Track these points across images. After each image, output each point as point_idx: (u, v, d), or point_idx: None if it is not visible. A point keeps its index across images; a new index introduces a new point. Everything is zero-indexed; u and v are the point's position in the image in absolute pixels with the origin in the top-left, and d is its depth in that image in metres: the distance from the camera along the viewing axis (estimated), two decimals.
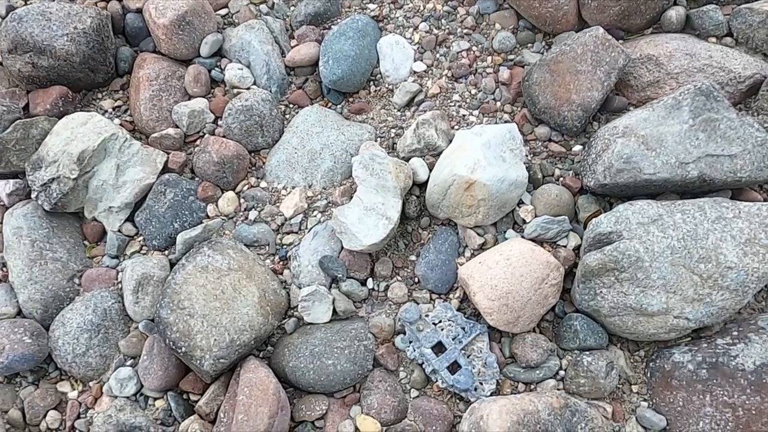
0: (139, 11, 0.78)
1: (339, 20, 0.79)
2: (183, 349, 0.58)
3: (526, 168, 0.66)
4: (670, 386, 0.58)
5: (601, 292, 0.58)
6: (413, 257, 0.66)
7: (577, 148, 0.69)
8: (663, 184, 0.60)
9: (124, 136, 0.70)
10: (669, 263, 0.56)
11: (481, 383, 0.58)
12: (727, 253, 0.56)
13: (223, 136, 0.73)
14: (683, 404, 0.57)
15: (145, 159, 0.70)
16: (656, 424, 0.57)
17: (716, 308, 0.56)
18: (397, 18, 0.78)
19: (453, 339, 0.59)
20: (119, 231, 0.69)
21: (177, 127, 0.73)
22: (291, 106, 0.76)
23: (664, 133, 0.61)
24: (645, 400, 0.59)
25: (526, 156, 0.68)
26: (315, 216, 0.68)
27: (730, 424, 0.54)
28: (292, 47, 0.78)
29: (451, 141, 0.69)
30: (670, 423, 0.57)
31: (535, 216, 0.64)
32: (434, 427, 0.57)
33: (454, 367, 0.58)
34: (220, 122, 0.74)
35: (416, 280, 0.65)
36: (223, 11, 0.81)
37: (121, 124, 0.74)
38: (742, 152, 0.60)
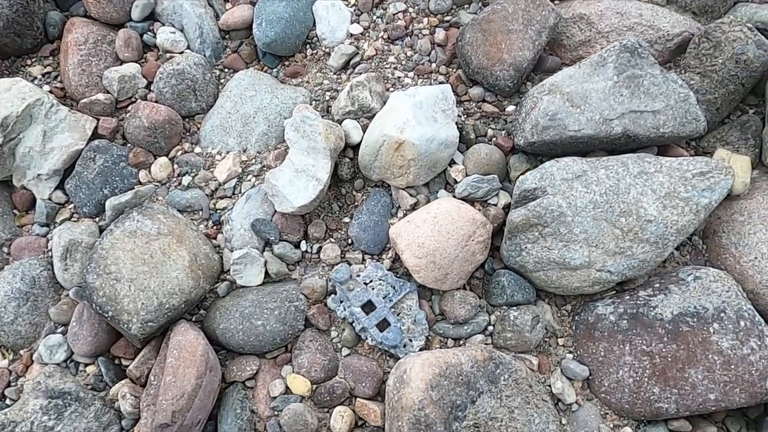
0: None
1: None
2: (110, 313, 0.58)
3: (459, 128, 0.66)
4: (593, 338, 0.59)
5: (526, 247, 0.59)
6: (347, 219, 0.66)
7: (510, 108, 0.69)
8: (589, 141, 0.61)
9: (51, 102, 0.68)
10: (591, 218, 0.57)
11: (410, 340, 0.58)
12: (648, 207, 0.57)
13: (156, 102, 0.71)
14: (605, 354, 0.58)
15: (73, 125, 0.69)
16: (579, 375, 0.58)
17: (637, 261, 0.58)
18: None
19: (383, 298, 0.60)
20: (49, 199, 0.68)
21: (107, 92, 0.72)
22: (226, 70, 0.75)
23: (588, 90, 0.61)
24: (570, 352, 0.60)
25: (460, 116, 0.68)
26: (249, 180, 0.68)
27: (647, 371, 0.56)
28: (227, 10, 0.76)
29: (385, 103, 0.68)
30: (593, 373, 0.59)
31: (466, 175, 0.65)
32: (364, 384, 0.58)
33: (383, 325, 0.59)
34: (152, 87, 0.72)
35: (349, 241, 0.65)
36: None
37: (51, 91, 0.72)
38: (665, 108, 0.61)
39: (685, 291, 0.58)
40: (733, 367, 0.54)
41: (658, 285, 0.60)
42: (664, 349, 0.56)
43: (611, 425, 0.57)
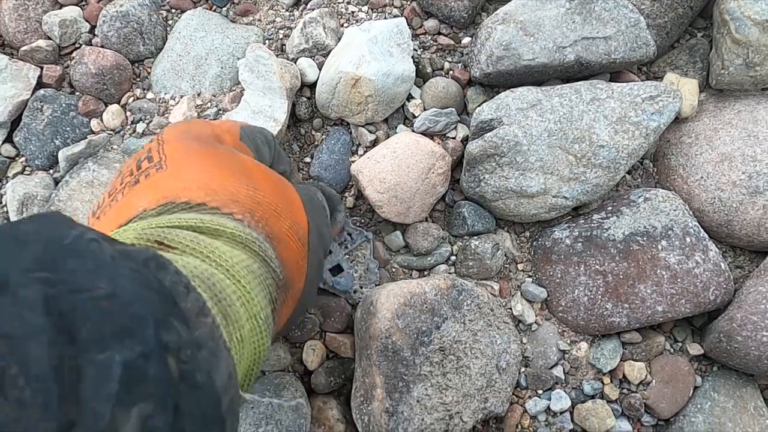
0: None
1: None
2: None
3: (415, 62, 0.65)
4: (551, 261, 0.62)
5: (484, 177, 0.60)
6: (308, 159, 0.66)
7: (466, 40, 0.69)
8: (543, 69, 0.61)
9: None
10: (546, 146, 0.59)
11: (361, 287, 0.60)
12: (600, 132, 0.59)
13: (101, 47, 0.69)
14: (561, 276, 0.61)
15: (15, 74, 0.66)
16: (538, 296, 0.61)
17: (591, 185, 0.60)
18: None
19: (339, 245, 0.61)
20: None
21: (49, 38, 0.68)
22: (173, 11, 0.72)
23: (542, 18, 0.61)
24: (529, 276, 0.63)
25: (416, 50, 0.68)
26: None
27: (600, 289, 0.59)
28: None
29: (340, 39, 0.67)
30: (550, 293, 0.62)
31: (424, 109, 0.65)
32: (332, 319, 0.59)
33: (336, 271, 0.60)
34: (96, 32, 0.69)
35: (311, 181, 0.65)
36: None
37: None
38: (616, 33, 0.62)
39: (636, 212, 0.61)
40: (679, 280, 0.58)
41: (610, 208, 0.62)
42: (616, 268, 0.59)
43: (568, 341, 0.61)
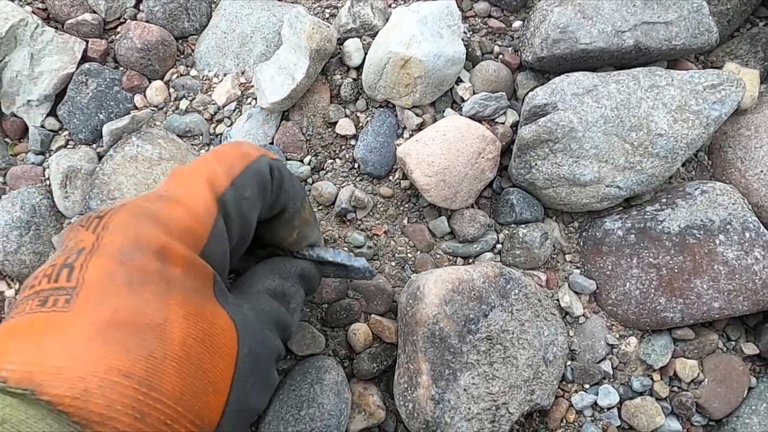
0: None
1: None
2: None
3: (465, 45, 0.64)
4: (601, 252, 0.60)
5: (536, 164, 0.58)
6: (352, 141, 0.65)
7: (517, 23, 0.67)
8: (600, 54, 0.59)
9: (35, 22, 0.64)
10: (602, 132, 0.57)
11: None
12: (658, 121, 0.57)
13: (146, 21, 0.68)
14: (612, 268, 0.59)
15: (61, 47, 0.65)
16: (587, 288, 0.59)
17: (646, 176, 0.58)
18: None
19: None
20: (42, 126, 0.65)
21: (94, 12, 0.68)
22: None
23: (601, 0, 0.59)
24: (577, 267, 0.61)
25: (465, 33, 0.66)
26: (249, 103, 0.66)
27: (654, 282, 0.57)
28: None
29: (387, 19, 0.66)
30: (600, 286, 0.60)
31: (473, 93, 0.63)
32: (375, 302, 0.58)
33: (339, 268, 0.56)
34: (141, 6, 0.69)
35: (356, 164, 0.64)
36: None
37: (33, 12, 0.68)
38: (677, 19, 0.59)
39: (692, 205, 0.59)
40: (737, 276, 0.56)
41: (665, 200, 0.60)
42: (670, 261, 0.57)
43: (617, 335, 0.59)
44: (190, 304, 0.27)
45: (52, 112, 0.66)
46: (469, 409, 0.51)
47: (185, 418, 0.24)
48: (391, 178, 0.63)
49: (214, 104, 0.66)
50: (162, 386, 0.24)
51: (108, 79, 0.65)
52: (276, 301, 0.37)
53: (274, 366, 0.32)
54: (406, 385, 0.53)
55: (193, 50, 0.69)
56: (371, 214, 0.62)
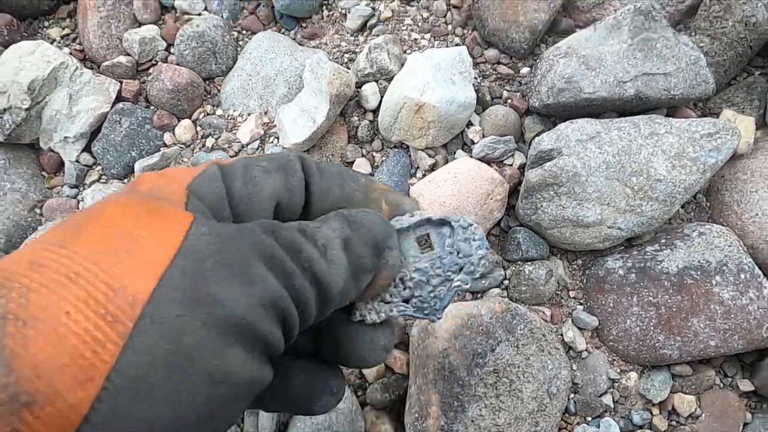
0: None
1: None
2: None
3: (475, 90, 0.68)
4: (603, 290, 0.63)
5: (541, 206, 0.62)
6: None
7: (525, 70, 0.71)
8: (602, 103, 0.63)
9: (75, 65, 0.69)
10: (604, 177, 0.60)
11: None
12: (657, 167, 0.60)
13: (177, 64, 0.72)
14: (613, 305, 0.62)
15: (97, 88, 0.70)
16: (589, 324, 0.62)
17: (646, 218, 0.61)
18: None
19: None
20: (77, 161, 0.70)
21: (128, 55, 0.73)
22: (244, 32, 0.76)
23: (603, 53, 0.63)
24: (581, 303, 0.64)
25: (476, 78, 0.70)
26: (272, 142, 0.70)
27: (653, 320, 0.60)
28: None
29: (403, 65, 0.70)
30: (602, 322, 0.63)
31: (483, 136, 0.67)
32: None
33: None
34: (172, 50, 0.73)
35: None
36: None
37: (71, 53, 0.73)
38: (676, 70, 0.63)
39: (690, 246, 0.62)
40: (732, 316, 0.59)
41: (664, 240, 0.63)
42: (669, 300, 0.60)
43: (618, 370, 0.62)
44: (139, 197, 0.23)
45: (87, 148, 0.70)
46: None
47: (97, 276, 0.20)
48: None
49: (238, 142, 0.70)
50: (74, 245, 0.21)
51: (140, 118, 0.70)
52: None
53: (259, 266, 0.22)
54: (417, 415, 0.56)
55: (219, 91, 0.74)
56: None
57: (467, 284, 0.27)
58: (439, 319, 0.28)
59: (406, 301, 0.27)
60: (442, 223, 0.28)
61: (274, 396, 0.27)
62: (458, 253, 0.27)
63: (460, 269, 0.27)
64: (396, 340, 0.62)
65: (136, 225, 0.22)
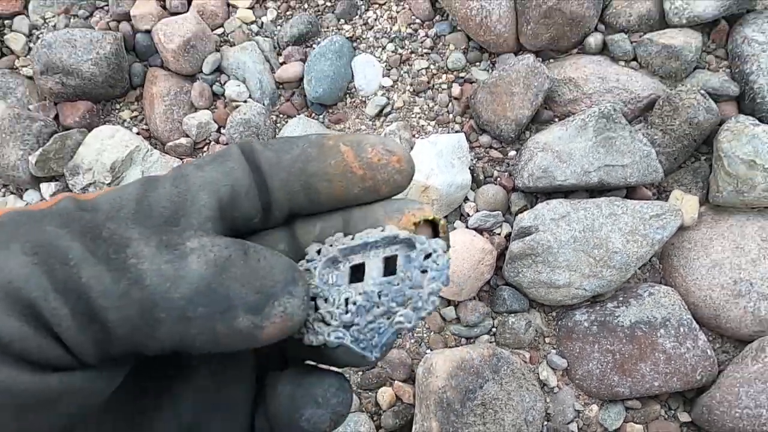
0: (148, 32, 0.92)
1: (319, 40, 0.94)
2: None
3: (471, 170, 0.84)
4: (571, 338, 0.78)
5: (522, 271, 0.78)
6: None
7: (512, 153, 0.87)
8: (572, 187, 0.79)
9: (146, 147, 0.85)
10: (572, 249, 0.76)
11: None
12: (615, 241, 0.76)
13: (226, 143, 0.88)
14: (579, 351, 0.77)
15: (164, 166, 0.86)
16: (560, 366, 0.78)
17: (605, 281, 0.76)
18: (368, 38, 0.93)
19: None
20: None
21: (187, 136, 0.89)
22: (281, 115, 0.92)
23: (573, 149, 0.79)
24: (554, 348, 0.80)
25: (472, 160, 0.86)
26: None
27: (610, 364, 0.75)
28: (281, 64, 0.92)
29: (412, 148, 0.86)
30: (570, 364, 0.78)
31: (477, 210, 0.83)
32: (398, 371, 0.77)
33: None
34: (222, 131, 0.89)
35: None
36: (219, 30, 0.95)
37: (138, 133, 0.89)
38: (631, 162, 0.79)
39: (641, 304, 0.77)
40: (673, 362, 0.74)
41: (621, 299, 0.79)
42: (623, 348, 0.75)
43: (582, 403, 0.77)
44: None
45: None
46: None
47: None
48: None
49: None
50: None
51: None
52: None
53: (15, 249, 0.16)
54: None
55: None
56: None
57: (410, 323, 0.21)
58: (376, 359, 0.22)
59: (345, 327, 0.21)
60: (409, 244, 0.22)
61: (265, 415, 0.23)
62: (409, 281, 0.21)
63: (407, 302, 0.21)
64: (351, 405, 0.76)
65: None
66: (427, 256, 0.21)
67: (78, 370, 0.16)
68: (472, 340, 0.80)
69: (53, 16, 0.95)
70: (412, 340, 0.79)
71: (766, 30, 0.84)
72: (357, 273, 0.22)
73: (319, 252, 0.22)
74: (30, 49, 0.94)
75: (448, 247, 0.22)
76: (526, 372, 0.75)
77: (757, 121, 0.79)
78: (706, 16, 0.84)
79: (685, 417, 0.76)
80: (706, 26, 0.88)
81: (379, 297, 0.21)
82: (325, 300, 0.21)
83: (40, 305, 0.15)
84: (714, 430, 0.72)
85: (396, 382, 0.77)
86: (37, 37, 0.94)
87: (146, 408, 0.21)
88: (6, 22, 0.95)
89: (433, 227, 0.23)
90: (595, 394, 0.77)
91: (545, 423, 0.76)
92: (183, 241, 0.17)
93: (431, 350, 0.78)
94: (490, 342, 0.79)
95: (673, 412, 0.77)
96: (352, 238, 0.22)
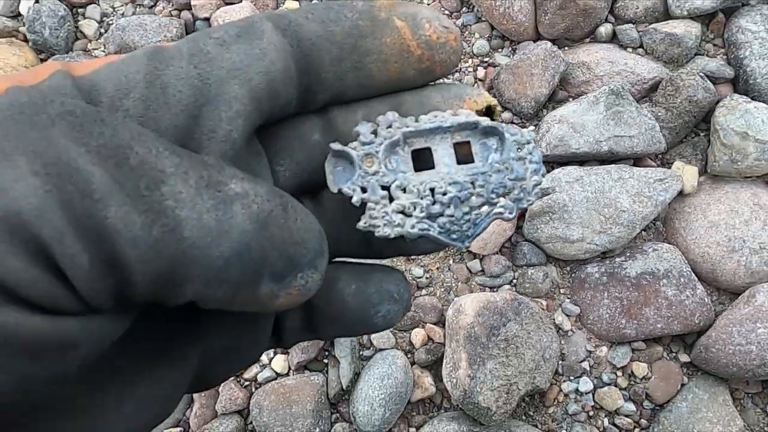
0: (207, 19, 1.03)
1: None
2: None
3: None
4: (584, 288, 0.88)
5: (540, 227, 0.88)
6: None
7: (531, 128, 0.97)
8: (585, 155, 0.89)
9: None
10: (585, 208, 0.86)
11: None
12: (623, 201, 0.86)
13: None
14: (590, 299, 0.87)
15: None
16: (574, 312, 0.87)
17: (614, 237, 0.86)
18: None
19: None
20: None
21: None
22: None
23: (586, 121, 0.89)
24: (568, 297, 0.90)
25: None
26: None
27: (618, 309, 0.85)
28: None
29: None
30: (582, 311, 0.88)
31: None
32: (429, 315, 0.87)
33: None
34: None
35: None
36: None
37: None
38: (638, 134, 0.89)
39: (646, 258, 0.87)
40: (674, 307, 0.83)
41: (628, 254, 0.89)
42: (629, 295, 0.85)
43: (593, 345, 0.87)
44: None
45: None
46: (492, 383, 0.79)
47: None
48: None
49: None
50: None
51: None
52: None
53: (23, 164, 0.13)
54: (451, 368, 0.81)
55: None
56: (428, 255, 0.92)
57: (512, 213, 0.21)
58: (467, 247, 0.21)
59: (431, 218, 0.20)
60: (491, 132, 0.21)
61: (327, 317, 0.21)
62: (509, 172, 0.21)
63: (507, 193, 0.21)
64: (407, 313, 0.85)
65: None
66: (519, 145, 0.21)
67: (91, 314, 0.14)
68: (495, 289, 0.90)
69: (121, 5, 1.07)
70: (442, 289, 0.90)
71: (758, 21, 0.95)
72: (421, 159, 0.20)
73: (374, 134, 0.19)
74: (101, 33, 1.06)
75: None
76: (543, 317, 0.85)
77: (749, 99, 0.90)
78: (705, 8, 0.95)
79: (684, 358, 0.85)
80: (706, 18, 0.98)
81: (475, 186, 0.20)
82: (403, 189, 0.19)
83: (54, 248, 0.12)
84: (710, 366, 0.82)
85: (428, 324, 0.87)
86: (108, 24, 1.06)
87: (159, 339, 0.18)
88: (80, 10, 1.07)
89: (488, 114, 0.22)
90: (605, 336, 0.86)
91: (560, 362, 0.86)
92: (226, 181, 0.15)
93: (458, 297, 0.88)
94: (511, 291, 0.89)
95: (674, 354, 0.86)
96: (416, 120, 0.20)
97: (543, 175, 0.21)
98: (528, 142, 0.21)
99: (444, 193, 0.20)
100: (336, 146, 0.19)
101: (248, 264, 0.15)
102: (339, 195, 0.19)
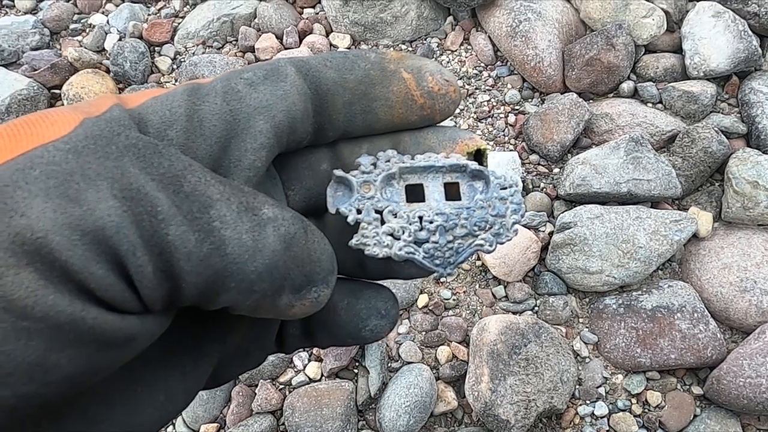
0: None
1: None
2: None
3: (522, 180, 1.03)
4: (601, 318, 0.94)
5: (561, 258, 0.95)
6: None
7: (556, 170, 1.06)
8: (605, 196, 0.97)
9: None
10: (604, 242, 0.93)
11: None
12: (640, 239, 0.93)
13: None
14: (608, 328, 0.93)
15: None
16: (591, 340, 0.93)
17: (632, 272, 0.93)
18: None
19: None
20: None
21: None
22: None
23: (607, 164, 0.97)
24: (586, 326, 0.95)
25: (522, 173, 1.05)
26: None
27: (633, 339, 0.90)
28: None
29: None
30: (600, 339, 0.93)
31: (527, 211, 1.01)
32: (455, 334, 0.93)
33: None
34: None
35: None
36: None
37: None
38: (655, 178, 0.97)
39: (662, 293, 0.93)
40: (687, 340, 0.88)
41: (645, 288, 0.95)
42: (645, 326, 0.90)
43: (610, 372, 0.91)
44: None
45: None
46: (512, 398, 0.84)
47: None
48: (470, 258, 1.00)
49: None
50: None
51: None
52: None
53: (103, 188, 0.15)
54: (474, 382, 0.87)
55: None
56: (455, 279, 0.99)
57: (492, 246, 0.22)
58: (448, 275, 0.23)
59: (417, 243, 0.22)
60: (478, 175, 0.23)
61: (322, 327, 0.23)
62: (491, 209, 0.23)
63: (489, 228, 0.22)
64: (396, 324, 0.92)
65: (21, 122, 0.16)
66: (503, 188, 0.23)
67: (147, 314, 0.16)
68: (518, 314, 0.96)
69: (193, 46, 1.21)
70: (468, 311, 0.96)
71: None
72: (413, 193, 0.22)
73: (374, 165, 0.21)
74: (173, 69, 1.19)
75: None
76: (562, 342, 0.91)
77: (761, 153, 0.97)
78: (720, 71, 1.04)
79: (698, 390, 0.89)
80: (720, 79, 1.08)
81: (459, 218, 0.22)
82: (395, 215, 0.21)
83: (128, 259, 0.15)
84: (722, 398, 0.86)
85: (453, 342, 0.93)
86: (180, 61, 1.20)
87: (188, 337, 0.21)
88: (157, 48, 1.21)
89: (478, 158, 0.24)
90: (621, 364, 0.91)
91: (577, 386, 0.91)
92: (260, 207, 0.17)
93: (482, 318, 0.94)
94: (533, 317, 0.95)
95: (687, 386, 0.91)
96: (412, 158, 0.22)
97: (522, 215, 0.23)
98: (511, 186, 0.23)
99: (431, 221, 0.22)
100: (338, 172, 0.21)
101: (275, 278, 0.17)
102: (337, 215, 0.21)
